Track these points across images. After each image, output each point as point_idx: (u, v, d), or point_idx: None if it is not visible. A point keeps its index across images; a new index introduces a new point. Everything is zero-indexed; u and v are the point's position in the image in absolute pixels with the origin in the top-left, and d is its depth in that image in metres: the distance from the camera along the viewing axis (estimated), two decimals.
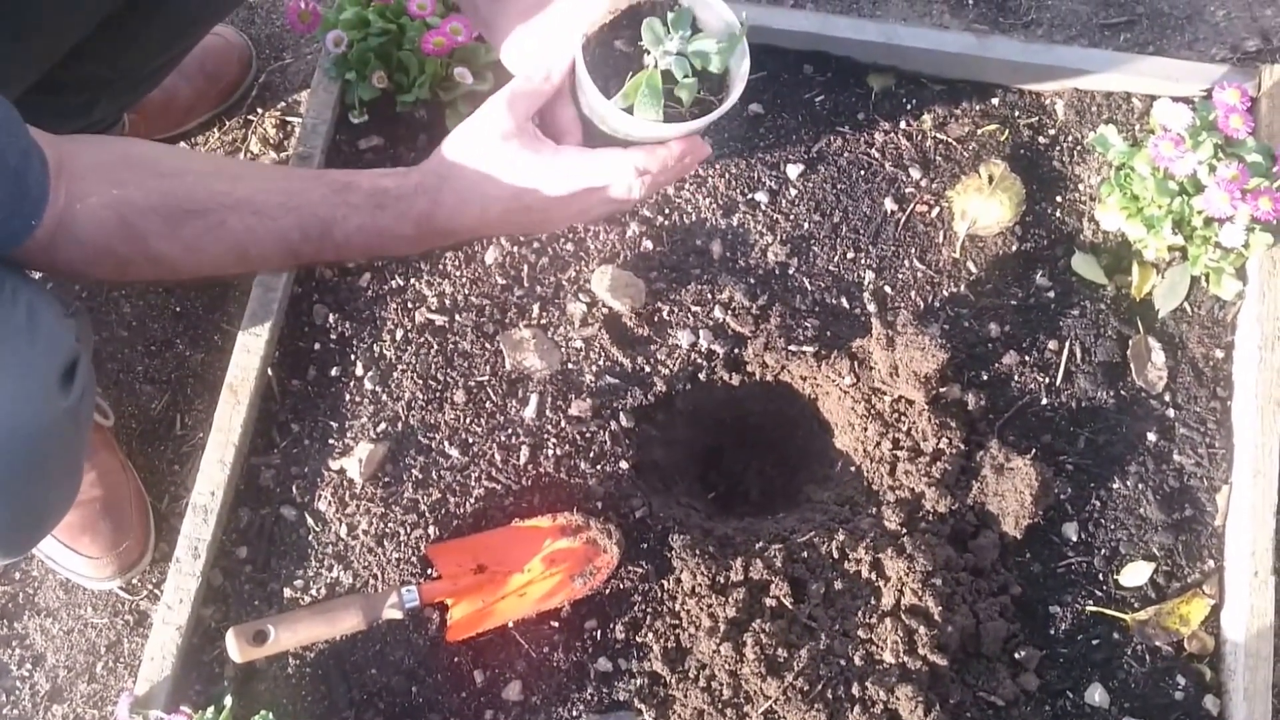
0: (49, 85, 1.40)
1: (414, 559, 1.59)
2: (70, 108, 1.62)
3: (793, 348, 1.71)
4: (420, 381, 1.68)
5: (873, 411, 1.70)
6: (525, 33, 1.37)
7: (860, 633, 1.52)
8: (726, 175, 1.83)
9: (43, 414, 1.09)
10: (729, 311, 1.74)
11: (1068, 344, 1.74)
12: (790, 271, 1.77)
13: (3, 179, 1.03)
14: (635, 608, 1.57)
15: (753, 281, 1.76)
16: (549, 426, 1.67)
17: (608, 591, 1.58)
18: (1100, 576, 1.63)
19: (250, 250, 1.33)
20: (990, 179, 1.77)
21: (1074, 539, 1.65)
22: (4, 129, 1.04)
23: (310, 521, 1.62)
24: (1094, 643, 1.60)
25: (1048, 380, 1.72)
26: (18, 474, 1.10)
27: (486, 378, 1.68)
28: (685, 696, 1.51)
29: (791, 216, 1.81)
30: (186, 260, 1.32)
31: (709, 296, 1.74)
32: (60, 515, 1.29)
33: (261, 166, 1.29)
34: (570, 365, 1.70)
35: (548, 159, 1.33)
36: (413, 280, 1.74)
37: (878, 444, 1.68)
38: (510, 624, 1.56)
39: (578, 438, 1.66)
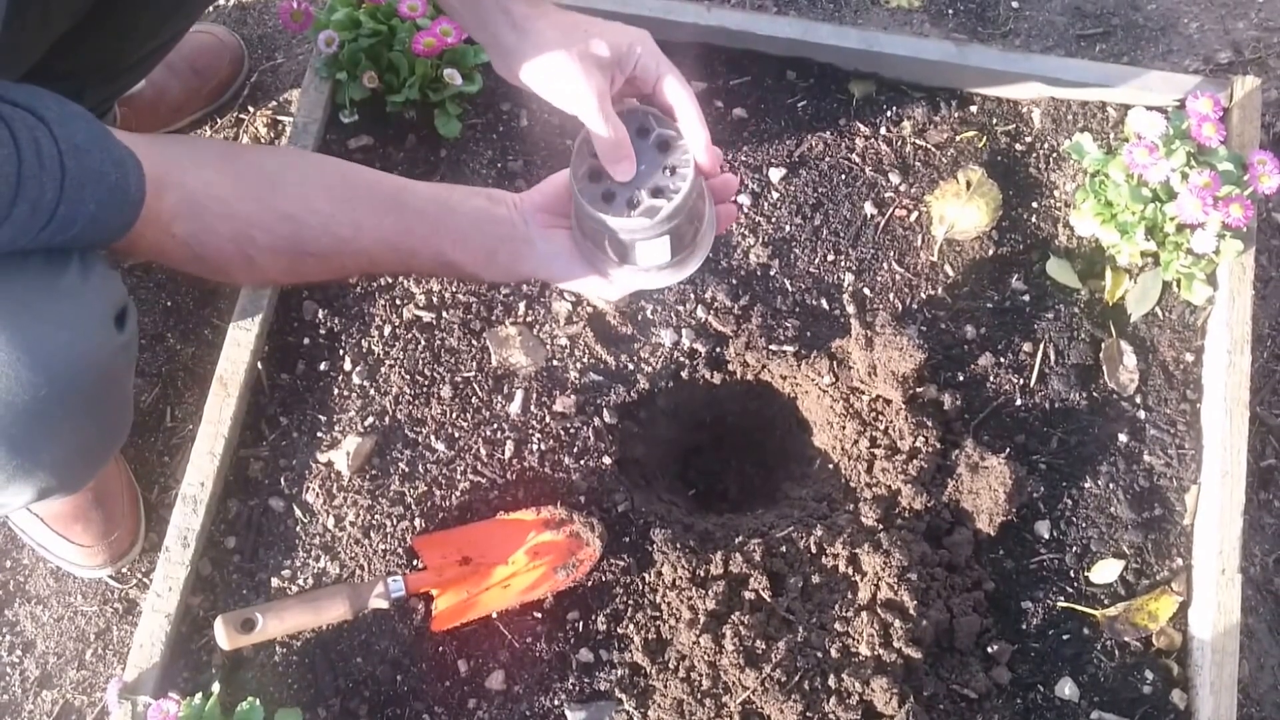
0: (38, 73, 1.41)
1: (400, 550, 1.61)
2: (59, 93, 1.63)
3: (773, 347, 1.74)
4: (407, 377, 1.70)
5: (851, 410, 1.73)
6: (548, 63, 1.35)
7: (837, 626, 1.54)
8: None
9: (102, 346, 1.14)
10: (711, 311, 1.76)
11: (1042, 346, 1.77)
12: (771, 273, 1.80)
13: (110, 194, 1.07)
14: (617, 600, 1.60)
15: (735, 282, 1.79)
16: (533, 422, 1.69)
17: (590, 584, 1.60)
18: (1071, 573, 1.66)
19: (359, 275, 1.48)
20: (968, 185, 1.81)
21: (1046, 536, 1.68)
22: (98, 145, 1.07)
23: (298, 513, 1.65)
24: (1065, 638, 1.63)
25: (1022, 381, 1.75)
26: (81, 399, 1.14)
27: (473, 374, 1.71)
28: (665, 687, 1.53)
29: (773, 219, 1.84)
30: (291, 281, 1.49)
31: (692, 296, 1.77)
32: (109, 454, 1.34)
33: (384, 198, 1.28)
34: (555, 362, 1.73)
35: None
36: (401, 277, 1.76)
37: (855, 442, 1.71)
38: (494, 615, 1.59)
39: (562, 433, 1.69)
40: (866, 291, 1.80)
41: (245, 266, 1.23)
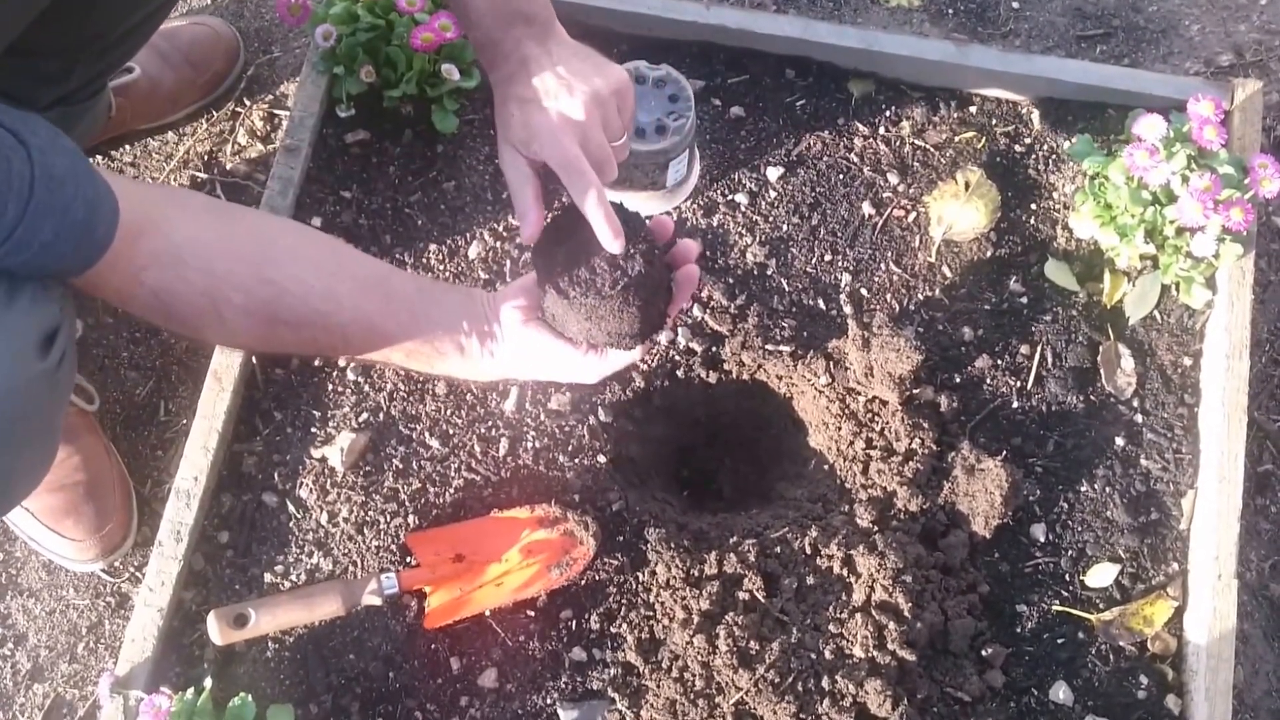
0: (22, 49, 1.39)
1: (393, 547, 1.61)
2: (46, 72, 1.61)
3: (769, 347, 1.74)
4: (402, 373, 1.70)
5: (847, 411, 1.72)
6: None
7: (831, 627, 1.54)
8: (707, 176, 1.85)
9: (16, 374, 1.10)
10: (708, 310, 1.76)
11: (1039, 349, 1.77)
12: (769, 272, 1.80)
13: (71, 229, 1.06)
14: (610, 599, 1.59)
15: (731, 281, 1.78)
16: (528, 420, 1.69)
17: (583, 582, 1.60)
18: (1067, 577, 1.66)
19: (323, 353, 1.37)
20: (966, 185, 1.80)
21: (1042, 540, 1.67)
22: (74, 181, 1.06)
23: (291, 508, 1.64)
24: (1059, 642, 1.63)
25: (1019, 384, 1.75)
26: None
27: None
28: (658, 686, 1.53)
29: (771, 218, 1.83)
30: (259, 347, 1.43)
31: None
32: (31, 485, 1.27)
33: (369, 279, 1.31)
34: None
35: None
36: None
37: (851, 443, 1.71)
38: (487, 612, 1.58)
39: (556, 431, 1.68)
40: (864, 292, 1.80)
41: (215, 324, 1.22)
